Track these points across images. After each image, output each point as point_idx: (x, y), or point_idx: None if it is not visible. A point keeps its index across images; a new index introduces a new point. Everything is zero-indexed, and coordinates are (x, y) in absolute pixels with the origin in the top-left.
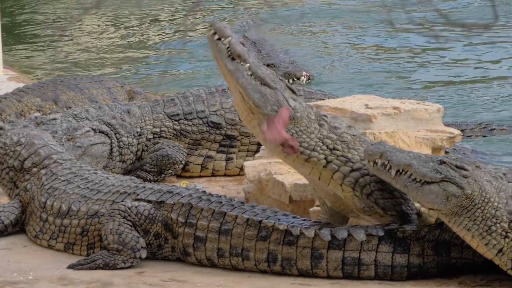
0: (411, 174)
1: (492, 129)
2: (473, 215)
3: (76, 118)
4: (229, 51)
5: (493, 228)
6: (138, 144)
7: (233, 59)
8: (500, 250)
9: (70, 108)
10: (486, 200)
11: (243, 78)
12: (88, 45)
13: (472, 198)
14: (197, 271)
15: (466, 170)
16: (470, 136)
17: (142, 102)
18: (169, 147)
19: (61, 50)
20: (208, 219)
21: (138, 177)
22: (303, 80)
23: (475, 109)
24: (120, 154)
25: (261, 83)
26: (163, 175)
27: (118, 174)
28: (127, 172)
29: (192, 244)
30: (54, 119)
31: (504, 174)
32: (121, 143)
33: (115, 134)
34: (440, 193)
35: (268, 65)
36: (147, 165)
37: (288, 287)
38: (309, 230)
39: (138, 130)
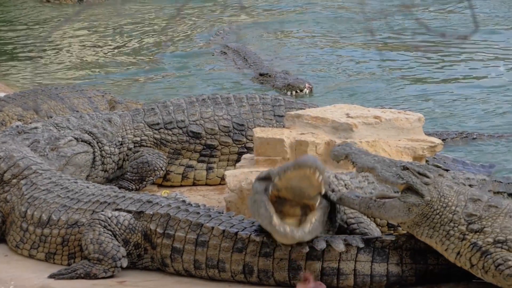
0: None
1: (474, 138)
2: (432, 222)
3: (57, 127)
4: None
5: (451, 232)
6: (119, 153)
7: None
8: (458, 253)
9: (51, 117)
10: (444, 205)
11: None
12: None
13: (431, 204)
14: (177, 281)
15: (428, 177)
16: (452, 145)
17: (123, 111)
18: (149, 154)
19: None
20: (185, 231)
21: (121, 187)
22: (305, 92)
23: (457, 118)
24: (103, 163)
25: None
26: (144, 183)
27: (99, 183)
28: (108, 181)
29: (169, 255)
30: (35, 128)
31: (468, 178)
32: (103, 152)
33: (97, 143)
34: (401, 206)
35: (262, 75)
36: (128, 173)
37: None
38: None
39: (120, 139)
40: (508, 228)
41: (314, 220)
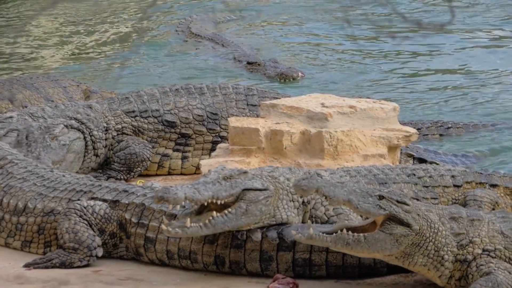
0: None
1: (449, 128)
2: (426, 249)
3: (32, 117)
4: None
5: (446, 256)
6: (106, 139)
7: None
8: (451, 276)
9: (26, 107)
10: (435, 230)
11: None
12: (44, 43)
13: (422, 232)
14: (153, 270)
15: (407, 204)
16: (427, 134)
17: (98, 101)
18: (136, 145)
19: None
20: (159, 221)
21: (110, 177)
22: (298, 81)
23: (432, 108)
24: (94, 148)
25: None
26: (132, 174)
27: (93, 169)
28: (99, 168)
29: (143, 245)
30: (11, 117)
31: (448, 169)
32: (93, 137)
33: (86, 128)
34: (388, 239)
35: (250, 63)
36: (116, 164)
37: (245, 285)
38: (256, 233)
39: (104, 125)
40: (497, 238)
41: (211, 217)
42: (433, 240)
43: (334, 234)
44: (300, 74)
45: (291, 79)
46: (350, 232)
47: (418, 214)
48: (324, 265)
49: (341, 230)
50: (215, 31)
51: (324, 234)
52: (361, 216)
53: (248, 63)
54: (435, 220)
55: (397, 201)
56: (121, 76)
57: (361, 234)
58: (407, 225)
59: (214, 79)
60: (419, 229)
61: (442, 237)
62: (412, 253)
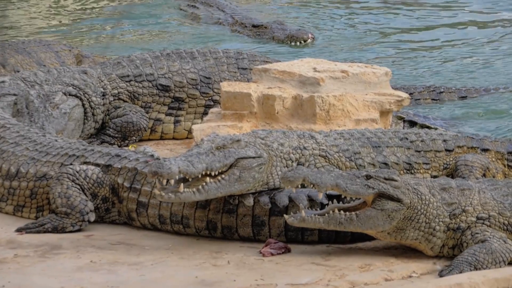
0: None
1: (441, 92)
2: (418, 222)
3: (24, 81)
4: None
5: (437, 227)
6: (103, 104)
7: None
8: (443, 245)
9: (18, 71)
10: (426, 202)
11: None
12: (34, 8)
13: (413, 206)
14: (145, 234)
15: (395, 180)
16: (419, 99)
17: (90, 65)
18: (133, 113)
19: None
20: (151, 185)
21: (103, 141)
22: (309, 42)
23: (425, 73)
24: (93, 114)
25: None
26: (126, 141)
27: (93, 135)
28: (97, 133)
29: (135, 209)
30: (3, 82)
31: (440, 134)
32: (91, 103)
33: (83, 94)
34: (380, 215)
35: (256, 27)
36: (111, 130)
37: (237, 250)
38: (248, 198)
39: (101, 90)
40: (489, 204)
41: (204, 183)
42: (425, 212)
43: (326, 215)
44: (310, 35)
45: (302, 41)
46: (342, 212)
47: (408, 189)
48: (316, 229)
49: (333, 211)
50: None
51: (316, 216)
52: (351, 198)
53: (254, 26)
54: (425, 192)
55: (385, 178)
56: (113, 38)
57: (353, 213)
58: (398, 200)
59: (216, 45)
60: (410, 203)
61: (433, 209)
62: (404, 227)
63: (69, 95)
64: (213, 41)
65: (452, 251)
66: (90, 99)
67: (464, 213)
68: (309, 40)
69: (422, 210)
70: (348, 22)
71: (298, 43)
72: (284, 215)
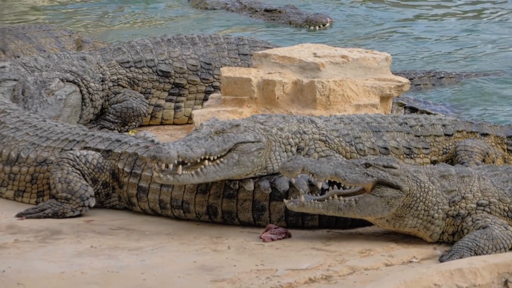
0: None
1: (441, 77)
2: (416, 210)
3: (25, 67)
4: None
5: (436, 215)
6: (102, 90)
7: None
8: (443, 232)
9: (18, 57)
10: (426, 190)
11: None
12: None
13: (412, 193)
14: (145, 220)
15: (394, 167)
16: (419, 84)
17: (90, 51)
18: (133, 99)
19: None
20: (152, 170)
21: (103, 127)
22: (327, 27)
23: (425, 58)
24: (91, 100)
25: None
26: (126, 127)
27: (92, 121)
28: (97, 118)
29: (136, 195)
30: (3, 67)
31: (439, 119)
32: (89, 89)
33: (81, 80)
34: (379, 202)
35: (268, 11)
36: (111, 115)
37: (237, 235)
38: (248, 183)
39: (100, 75)
40: (489, 190)
41: (203, 166)
42: (424, 200)
43: (325, 200)
44: (328, 20)
45: (321, 26)
46: (341, 198)
47: (407, 176)
48: (316, 215)
49: (332, 197)
50: None
51: (316, 201)
52: (351, 186)
53: (266, 10)
54: (424, 180)
55: (384, 166)
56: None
57: (352, 199)
58: (397, 188)
59: (229, 32)
60: (409, 190)
61: (432, 196)
62: (403, 215)
63: (67, 81)
64: (222, 28)
65: (452, 238)
66: (88, 85)
67: (463, 200)
68: (328, 24)
69: (421, 198)
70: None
71: (317, 28)
72: (284, 200)
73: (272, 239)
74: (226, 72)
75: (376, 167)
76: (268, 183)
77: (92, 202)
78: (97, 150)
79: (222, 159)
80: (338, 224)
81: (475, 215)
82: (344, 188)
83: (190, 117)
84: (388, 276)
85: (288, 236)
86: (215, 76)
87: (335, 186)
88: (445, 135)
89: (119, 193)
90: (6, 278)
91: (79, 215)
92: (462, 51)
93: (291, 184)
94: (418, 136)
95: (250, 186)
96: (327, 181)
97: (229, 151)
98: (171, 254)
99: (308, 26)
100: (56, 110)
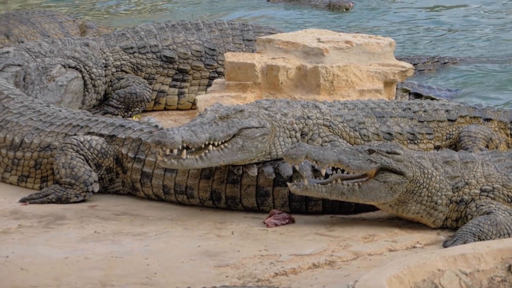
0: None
1: (445, 63)
2: (420, 196)
3: (29, 52)
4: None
5: (439, 201)
6: (105, 76)
7: None
8: (446, 218)
9: (22, 42)
10: (429, 176)
11: None
12: None
13: (415, 179)
14: (149, 205)
15: (397, 153)
16: (423, 70)
17: (94, 36)
18: (136, 84)
19: None
20: (155, 156)
21: (106, 112)
22: (350, 10)
23: (428, 44)
24: (94, 86)
25: None
26: (130, 112)
27: (95, 106)
28: (100, 104)
29: (139, 180)
30: (7, 52)
31: (443, 104)
32: (92, 75)
33: (83, 66)
34: (382, 187)
35: None
36: (114, 101)
37: (241, 220)
38: (252, 168)
39: (103, 61)
40: (493, 176)
41: (207, 151)
42: (427, 186)
43: (329, 184)
44: (351, 3)
45: (344, 10)
46: (345, 182)
47: (411, 161)
48: (320, 200)
49: (336, 181)
50: None
51: (319, 185)
52: (354, 173)
53: None
54: (428, 166)
55: (387, 152)
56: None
57: (356, 184)
58: (400, 173)
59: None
60: (413, 176)
61: (436, 182)
62: (406, 200)
63: (69, 67)
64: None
65: (455, 224)
66: (90, 71)
67: (467, 186)
68: (350, 8)
69: (424, 184)
70: None
71: (339, 11)
72: (288, 183)
73: (276, 225)
74: (230, 57)
75: (380, 153)
76: (272, 168)
77: (96, 188)
78: (101, 135)
79: (226, 144)
80: (341, 210)
81: (479, 201)
82: (348, 173)
83: (194, 103)
84: (392, 261)
85: (292, 221)
86: (219, 62)
87: (339, 171)
88: (448, 120)
89: (122, 178)
90: (9, 264)
91: (83, 201)
92: (466, 37)
93: (294, 170)
94: (422, 122)
95: (254, 171)
96: (330, 168)
97: (233, 136)
98: (174, 240)
99: (331, 10)
100: (57, 96)
